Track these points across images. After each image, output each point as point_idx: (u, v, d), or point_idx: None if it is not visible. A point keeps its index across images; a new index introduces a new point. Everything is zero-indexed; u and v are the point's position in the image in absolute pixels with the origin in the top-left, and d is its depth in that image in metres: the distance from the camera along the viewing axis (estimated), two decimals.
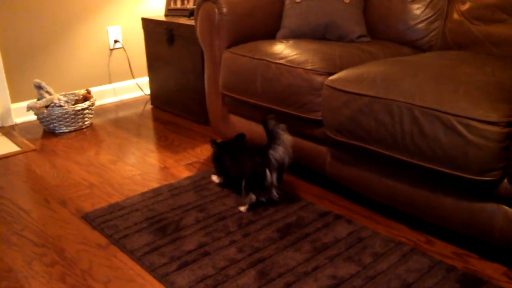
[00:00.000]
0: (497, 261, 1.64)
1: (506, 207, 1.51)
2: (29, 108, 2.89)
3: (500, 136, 1.42)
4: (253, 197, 1.94)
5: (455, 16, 2.18)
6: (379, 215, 1.94)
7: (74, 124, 2.94)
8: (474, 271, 1.59)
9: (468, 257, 1.66)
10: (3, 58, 3.00)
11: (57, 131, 2.94)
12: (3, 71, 3.01)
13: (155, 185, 2.21)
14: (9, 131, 2.98)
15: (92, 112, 3.06)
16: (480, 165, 1.46)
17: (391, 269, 1.57)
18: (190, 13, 3.03)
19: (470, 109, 1.48)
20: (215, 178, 2.19)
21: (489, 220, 1.54)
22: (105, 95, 3.52)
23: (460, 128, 1.48)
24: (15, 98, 3.11)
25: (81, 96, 3.04)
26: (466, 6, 2.14)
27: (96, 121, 3.13)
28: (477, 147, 1.45)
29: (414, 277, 1.53)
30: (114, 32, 3.46)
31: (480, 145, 1.44)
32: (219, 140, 2.21)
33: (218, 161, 2.14)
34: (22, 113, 3.13)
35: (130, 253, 1.70)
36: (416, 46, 2.31)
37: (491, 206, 1.53)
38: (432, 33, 2.27)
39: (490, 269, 1.60)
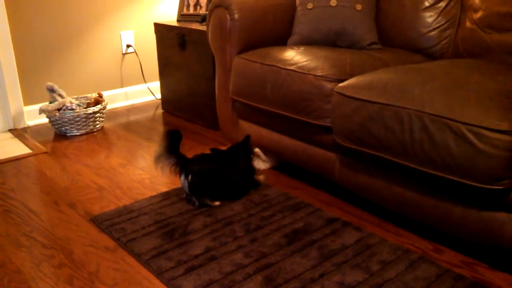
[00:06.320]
0: (508, 272, 1.62)
1: None
2: (41, 111, 2.92)
3: (510, 145, 1.41)
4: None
5: (468, 24, 2.17)
6: (387, 222, 1.93)
7: (85, 127, 2.96)
8: (482, 281, 1.57)
9: (478, 267, 1.65)
10: (17, 61, 3.04)
11: (68, 134, 2.96)
12: (16, 74, 3.04)
13: (164, 189, 2.22)
14: (21, 133, 3.01)
15: (104, 115, 3.08)
16: (489, 174, 1.45)
17: (398, 277, 1.56)
18: (202, 19, 3.05)
19: (480, 118, 1.47)
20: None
21: (499, 230, 1.52)
22: (117, 99, 3.54)
23: (470, 136, 1.47)
24: (27, 101, 3.15)
25: (93, 100, 3.06)
26: (478, 14, 2.13)
27: (107, 124, 3.14)
28: (487, 155, 1.44)
29: (421, 285, 1.52)
30: (127, 36, 3.48)
31: (490, 153, 1.43)
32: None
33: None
34: (34, 116, 3.16)
35: (138, 257, 1.70)
36: (428, 54, 2.30)
37: (501, 216, 1.51)
38: (444, 41, 2.26)
39: (499, 279, 1.58)
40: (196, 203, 2.02)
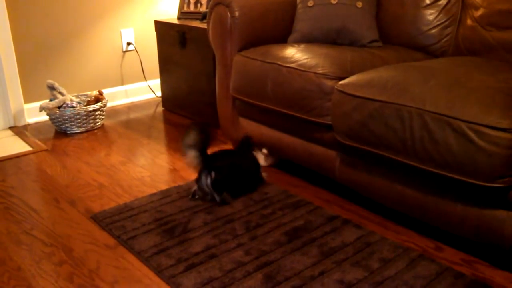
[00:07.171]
0: (508, 270, 1.62)
1: None
2: (42, 109, 2.92)
3: (511, 143, 1.41)
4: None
5: (469, 22, 2.17)
6: (388, 220, 1.92)
7: (85, 125, 2.96)
8: (483, 279, 1.57)
9: (478, 264, 1.65)
10: (17, 59, 3.04)
11: (68, 132, 2.96)
12: (17, 71, 3.04)
13: (164, 186, 2.22)
14: (21, 131, 3.01)
15: (104, 113, 3.08)
16: (490, 171, 1.45)
17: (398, 275, 1.56)
18: (203, 16, 3.04)
19: (481, 116, 1.46)
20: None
21: (499, 228, 1.52)
22: (117, 96, 3.54)
23: (471, 134, 1.47)
24: (28, 99, 3.14)
25: (93, 97, 3.06)
26: (479, 12, 2.13)
27: (108, 122, 3.14)
28: (487, 153, 1.44)
29: (421, 284, 1.52)
30: (127, 34, 3.48)
31: (491, 151, 1.43)
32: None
33: None
34: (34, 114, 3.16)
35: (138, 254, 1.70)
36: (429, 52, 2.30)
37: (501, 213, 1.51)
38: (445, 39, 2.25)
39: (500, 277, 1.58)
40: (218, 199, 2.02)
